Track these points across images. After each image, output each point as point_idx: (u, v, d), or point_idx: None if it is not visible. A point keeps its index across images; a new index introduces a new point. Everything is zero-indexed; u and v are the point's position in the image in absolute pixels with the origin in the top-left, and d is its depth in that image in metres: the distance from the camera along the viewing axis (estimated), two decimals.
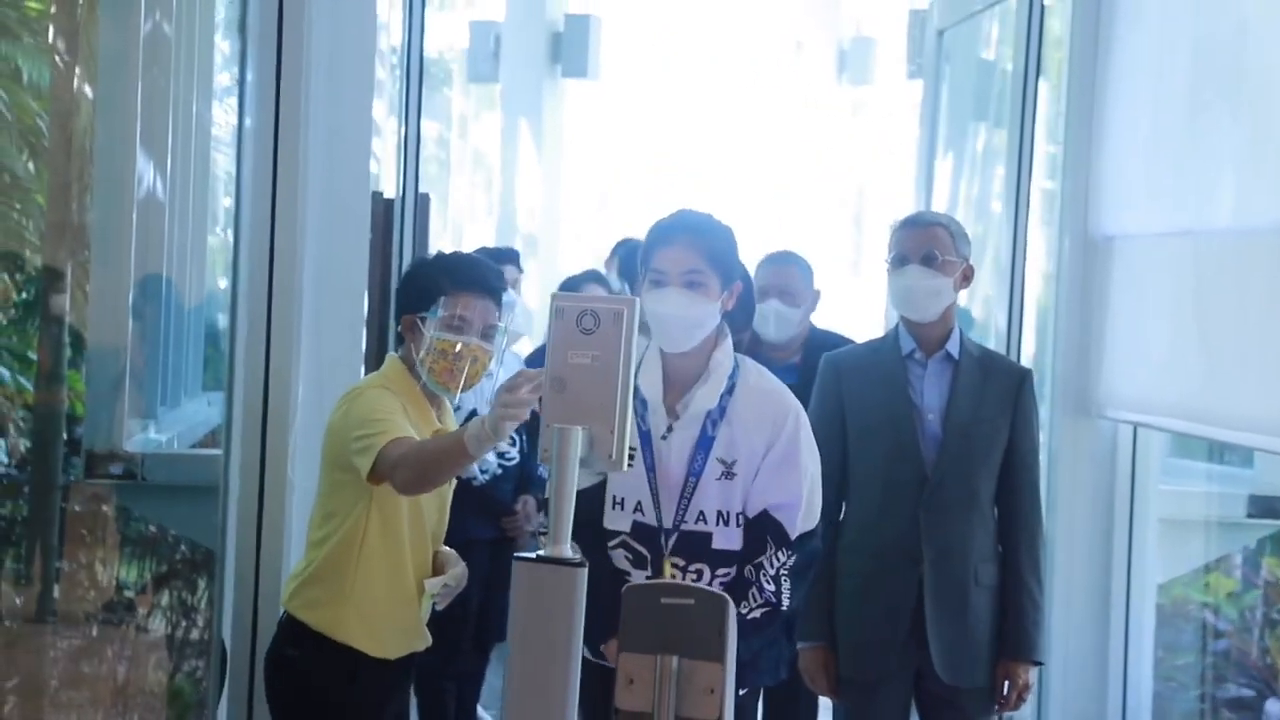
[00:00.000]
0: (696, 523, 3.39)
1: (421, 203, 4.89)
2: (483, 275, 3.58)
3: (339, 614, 3.48)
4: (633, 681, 2.59)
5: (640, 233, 6.30)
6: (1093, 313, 5.04)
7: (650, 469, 3.41)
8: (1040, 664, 4.00)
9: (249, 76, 4.22)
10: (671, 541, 3.39)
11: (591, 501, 3.34)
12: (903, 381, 3.87)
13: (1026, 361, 5.23)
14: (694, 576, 3.37)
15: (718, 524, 3.38)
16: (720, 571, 3.39)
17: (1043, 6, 5.16)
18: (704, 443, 3.38)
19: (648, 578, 3.39)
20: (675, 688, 2.57)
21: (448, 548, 3.69)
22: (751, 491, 3.39)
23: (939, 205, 5.93)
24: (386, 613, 3.52)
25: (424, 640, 3.62)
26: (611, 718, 2.61)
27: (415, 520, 3.54)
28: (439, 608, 3.65)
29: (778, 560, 3.41)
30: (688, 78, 9.43)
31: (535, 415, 5.16)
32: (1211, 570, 5.36)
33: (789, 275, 4.53)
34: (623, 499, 3.40)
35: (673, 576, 3.36)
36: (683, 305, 3.35)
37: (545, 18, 7.38)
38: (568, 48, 7.29)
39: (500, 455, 4.84)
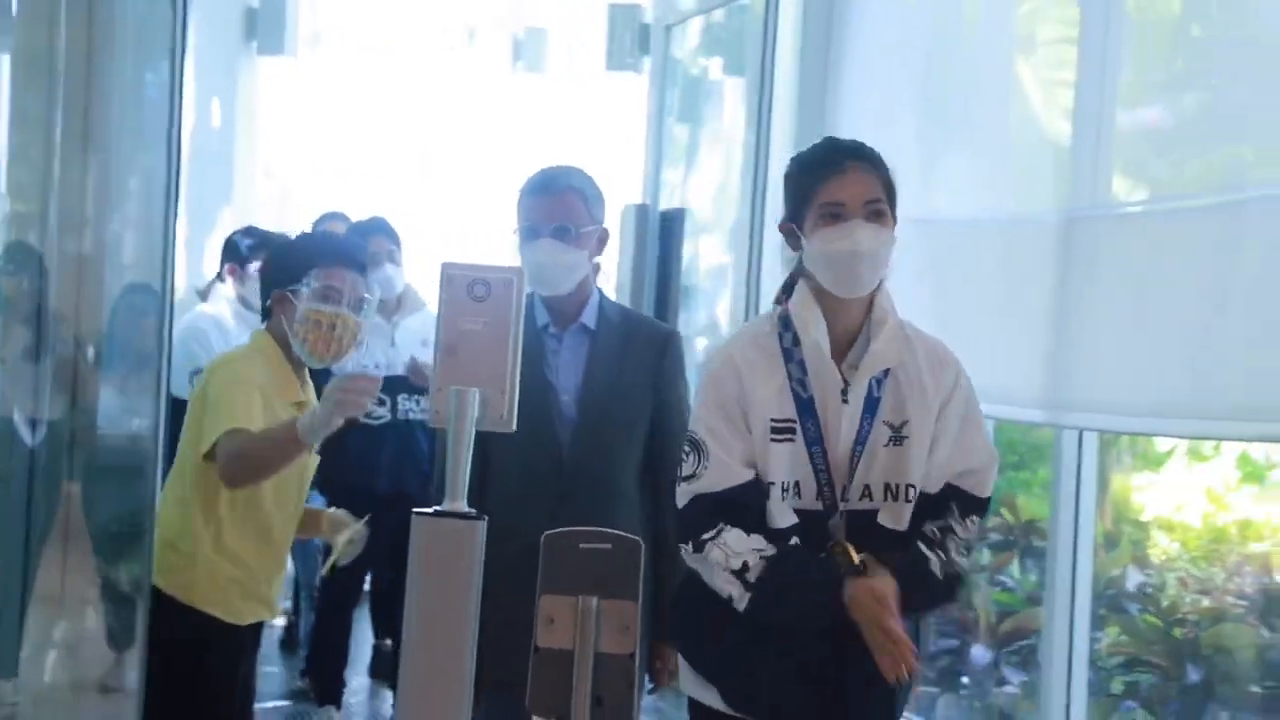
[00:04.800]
0: (861, 499, 3.06)
1: None
2: (350, 250, 3.86)
3: (190, 578, 3.62)
4: (553, 621, 2.73)
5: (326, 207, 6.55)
6: None
7: (814, 441, 3.04)
8: None
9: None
10: (839, 523, 3.05)
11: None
12: (538, 358, 3.67)
13: None
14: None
15: (885, 498, 3.07)
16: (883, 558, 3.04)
17: (778, 5, 5.52)
18: (870, 404, 3.04)
19: None
20: (596, 625, 2.70)
21: (340, 511, 3.92)
22: (933, 465, 3.08)
23: (668, 194, 6.33)
24: (239, 579, 3.69)
25: (274, 612, 3.82)
26: (531, 656, 2.71)
27: (279, 490, 3.69)
28: (342, 564, 3.87)
29: (971, 527, 3.10)
30: (381, 59, 9.61)
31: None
32: None
33: None
34: (789, 483, 3.04)
35: (860, 562, 2.98)
36: (873, 240, 2.97)
37: None
38: (263, 24, 7.32)
39: (367, 415, 4.95)
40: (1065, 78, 4.48)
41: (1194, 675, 4.67)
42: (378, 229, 5.89)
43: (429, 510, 2.79)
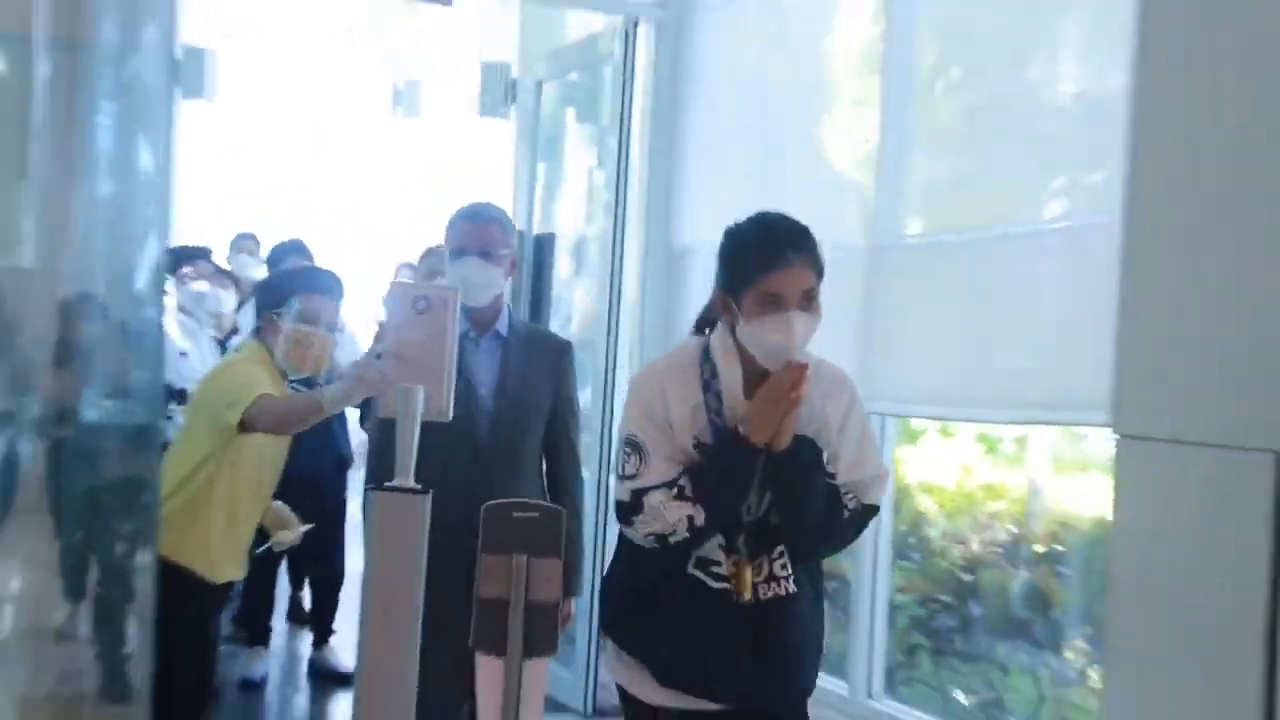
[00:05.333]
0: (768, 509, 3.22)
1: None
2: (328, 282, 4.25)
3: (182, 538, 3.97)
4: (492, 575, 3.02)
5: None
6: (676, 311, 5.94)
7: None
8: (579, 595, 4.41)
9: None
10: (744, 535, 3.22)
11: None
12: (460, 360, 3.70)
13: (624, 352, 5.98)
14: (755, 572, 3.25)
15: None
16: (776, 550, 3.24)
17: (633, 69, 6.00)
18: None
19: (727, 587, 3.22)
20: (526, 578, 3.01)
21: (285, 507, 4.33)
22: (836, 469, 3.22)
23: (538, 225, 6.84)
24: (223, 543, 4.09)
25: (243, 571, 4.22)
26: (473, 605, 3.00)
27: (263, 472, 4.17)
28: (276, 550, 4.35)
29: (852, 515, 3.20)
30: (291, 103, 10.13)
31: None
32: None
33: None
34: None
35: (733, 571, 3.21)
36: (806, 330, 3.10)
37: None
38: (185, 72, 7.71)
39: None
40: (867, 135, 4.96)
41: (969, 609, 5.13)
42: (294, 249, 6.50)
43: (385, 486, 3.09)
